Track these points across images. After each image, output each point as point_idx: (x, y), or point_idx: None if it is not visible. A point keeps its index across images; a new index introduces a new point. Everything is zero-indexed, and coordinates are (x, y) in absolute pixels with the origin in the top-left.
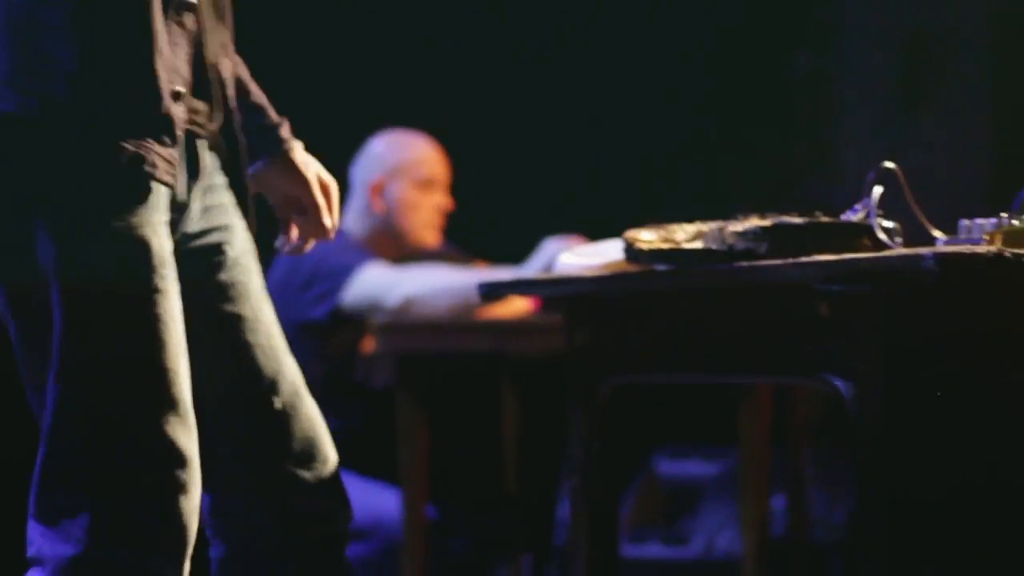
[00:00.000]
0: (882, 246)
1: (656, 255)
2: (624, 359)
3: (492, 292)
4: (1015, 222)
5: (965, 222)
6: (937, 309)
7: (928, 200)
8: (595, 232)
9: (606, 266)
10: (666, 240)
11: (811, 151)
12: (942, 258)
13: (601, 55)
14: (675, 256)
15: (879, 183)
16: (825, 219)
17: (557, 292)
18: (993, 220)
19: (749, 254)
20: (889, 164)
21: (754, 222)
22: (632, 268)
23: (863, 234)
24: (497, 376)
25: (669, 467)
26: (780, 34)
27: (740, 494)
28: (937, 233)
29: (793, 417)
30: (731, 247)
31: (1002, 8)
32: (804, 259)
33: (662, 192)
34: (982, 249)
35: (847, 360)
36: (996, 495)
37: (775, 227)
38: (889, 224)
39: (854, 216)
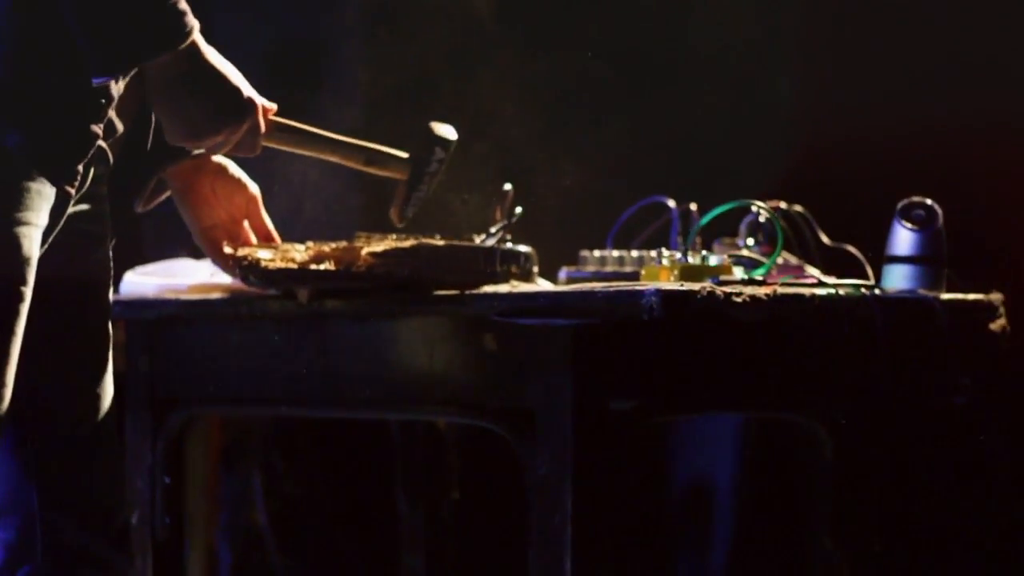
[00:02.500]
0: (527, 274)
1: (283, 275)
2: (206, 389)
3: None
4: (691, 259)
5: (586, 253)
6: (631, 345)
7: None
8: None
9: (193, 287)
10: (285, 259)
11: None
12: (663, 295)
13: None
14: (304, 277)
15: (509, 206)
16: (462, 243)
17: (134, 314)
18: (615, 252)
19: (389, 277)
20: (507, 186)
21: (392, 243)
22: (217, 291)
23: (510, 259)
24: None
25: None
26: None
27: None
28: (565, 267)
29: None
30: (370, 269)
31: (375, 13)
32: (489, 290)
33: None
34: (697, 287)
35: (524, 398)
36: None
37: (417, 249)
38: (525, 249)
39: (491, 241)
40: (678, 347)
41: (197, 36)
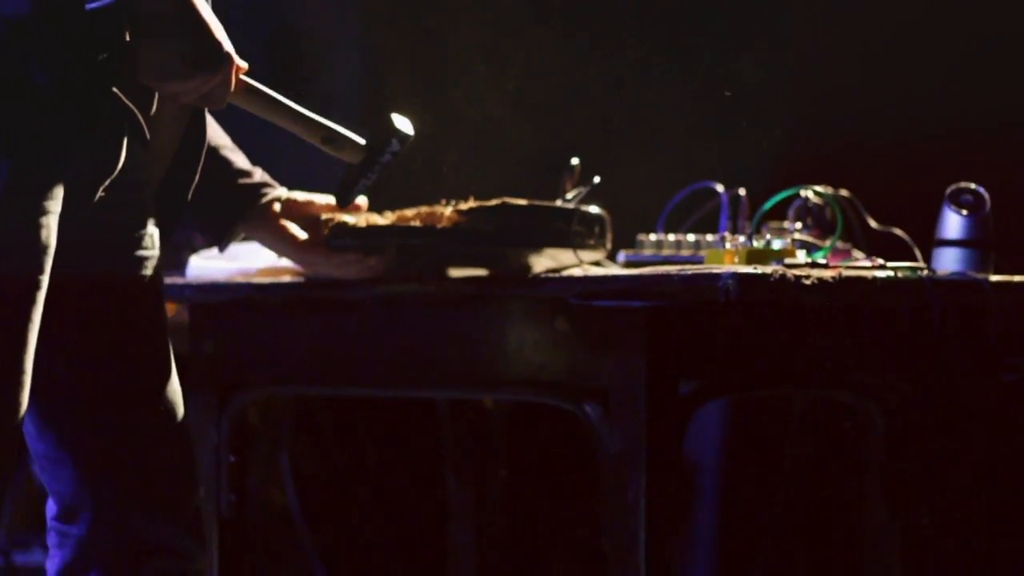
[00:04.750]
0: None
1: (372, 232)
2: (272, 370)
3: None
4: (755, 243)
5: (642, 237)
6: (700, 326)
7: None
8: None
9: (263, 271)
10: (369, 223)
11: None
12: (740, 278)
13: None
14: (392, 233)
15: (580, 175)
16: (543, 203)
17: (205, 298)
18: (675, 237)
19: (473, 232)
20: (575, 160)
21: (476, 203)
22: (286, 273)
23: (589, 221)
24: None
25: None
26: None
27: None
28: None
29: None
30: (456, 225)
31: (370, 6)
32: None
33: None
34: (769, 270)
35: (599, 378)
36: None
37: (501, 207)
38: (598, 211)
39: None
40: (744, 328)
41: None
